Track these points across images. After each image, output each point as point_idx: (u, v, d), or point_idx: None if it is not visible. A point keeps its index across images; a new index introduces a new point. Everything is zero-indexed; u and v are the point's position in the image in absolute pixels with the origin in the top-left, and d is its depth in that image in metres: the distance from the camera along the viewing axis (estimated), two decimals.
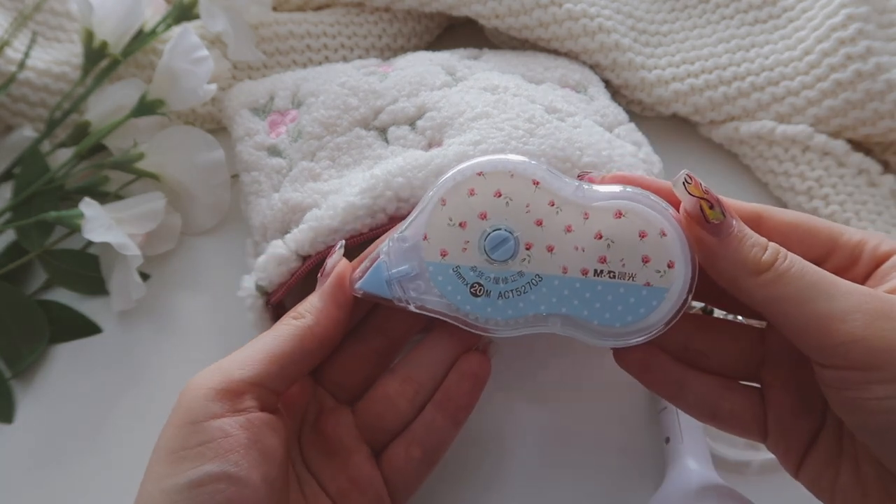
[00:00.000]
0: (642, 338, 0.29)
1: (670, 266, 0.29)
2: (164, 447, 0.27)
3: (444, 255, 0.29)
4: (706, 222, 0.28)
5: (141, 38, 0.48)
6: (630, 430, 0.40)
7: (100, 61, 0.47)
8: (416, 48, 0.54)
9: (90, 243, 0.45)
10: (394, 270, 0.30)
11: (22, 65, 0.47)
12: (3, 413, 0.41)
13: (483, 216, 0.29)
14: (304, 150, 0.40)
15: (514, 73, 0.45)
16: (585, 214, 0.29)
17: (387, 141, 0.40)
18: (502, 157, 0.29)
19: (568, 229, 0.29)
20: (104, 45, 0.46)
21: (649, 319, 0.29)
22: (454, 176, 0.29)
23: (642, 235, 0.29)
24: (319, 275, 0.32)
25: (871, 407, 0.25)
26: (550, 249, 0.29)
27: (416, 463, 0.32)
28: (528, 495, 0.38)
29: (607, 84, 0.50)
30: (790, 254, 0.27)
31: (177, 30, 0.48)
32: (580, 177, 0.31)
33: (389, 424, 0.33)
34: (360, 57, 0.52)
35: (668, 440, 0.38)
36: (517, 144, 0.37)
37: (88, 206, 0.41)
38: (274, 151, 0.41)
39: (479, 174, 0.29)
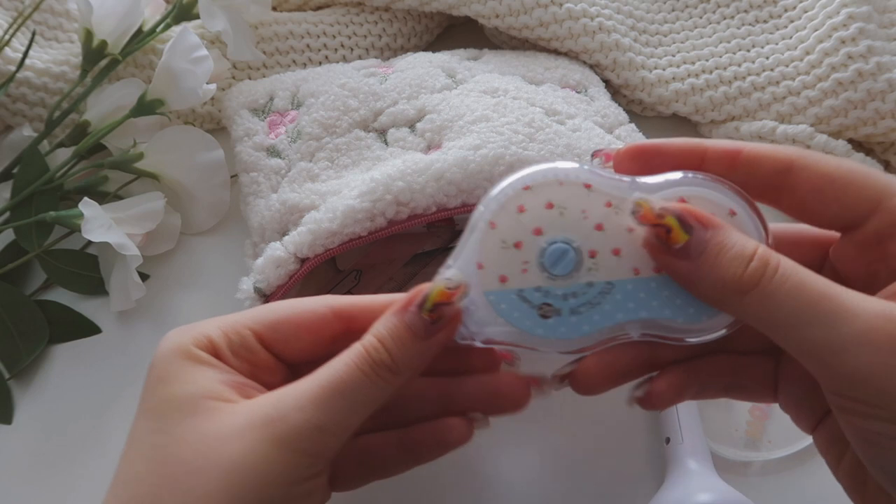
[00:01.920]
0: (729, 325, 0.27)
1: None
2: (241, 493, 0.23)
3: (503, 280, 0.27)
4: (670, 249, 0.25)
5: (140, 38, 0.48)
6: (630, 430, 0.40)
7: (99, 61, 0.47)
8: (416, 48, 0.54)
9: (89, 243, 0.45)
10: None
11: (21, 64, 0.47)
12: (2, 413, 0.41)
13: (538, 232, 0.27)
14: (302, 151, 0.40)
15: (514, 74, 0.45)
16: None
17: (386, 143, 0.40)
18: (547, 165, 0.27)
19: (630, 229, 0.27)
20: (103, 44, 0.46)
21: None
22: (498, 196, 0.27)
23: None
24: (425, 311, 0.25)
25: (869, 438, 0.23)
26: (617, 253, 0.27)
27: (359, 472, 0.30)
28: (529, 496, 0.38)
29: (607, 84, 0.50)
30: (783, 264, 0.23)
31: (176, 29, 0.48)
32: (594, 155, 0.29)
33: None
34: (359, 57, 0.52)
35: (668, 440, 0.38)
36: (517, 150, 0.37)
37: (88, 206, 0.40)
38: (273, 152, 0.41)
39: (526, 188, 0.27)
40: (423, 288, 0.26)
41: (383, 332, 0.25)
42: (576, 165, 0.27)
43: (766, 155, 0.26)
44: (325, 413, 0.24)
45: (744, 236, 0.25)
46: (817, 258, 0.28)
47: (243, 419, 0.24)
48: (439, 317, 0.25)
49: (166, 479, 0.23)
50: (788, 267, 0.23)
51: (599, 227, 0.27)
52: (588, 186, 0.27)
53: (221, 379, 0.25)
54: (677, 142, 0.27)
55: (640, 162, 0.27)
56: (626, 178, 0.27)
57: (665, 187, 0.27)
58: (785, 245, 0.27)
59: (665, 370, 0.28)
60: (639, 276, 0.27)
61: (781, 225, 0.28)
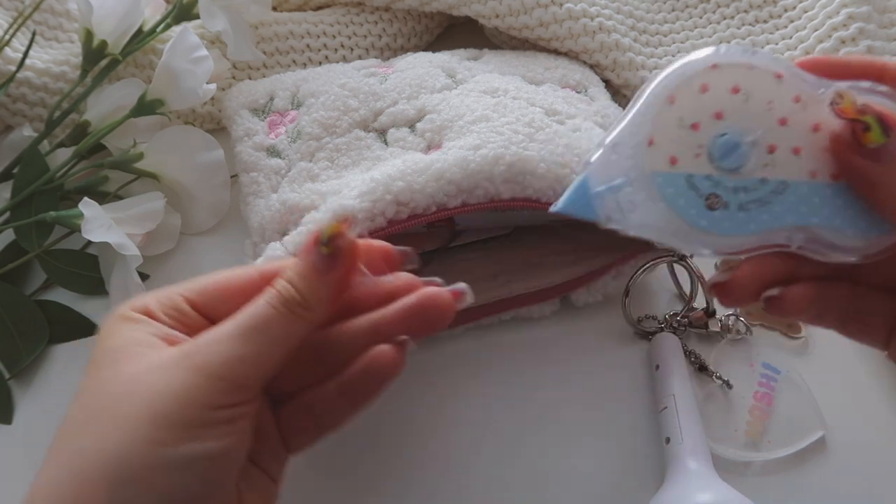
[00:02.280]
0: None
1: None
2: (163, 414, 0.25)
3: (673, 162, 0.25)
4: (861, 147, 0.24)
5: (140, 38, 0.48)
6: (630, 430, 0.40)
7: (99, 61, 0.47)
8: (416, 48, 0.54)
9: (89, 243, 0.45)
10: (613, 183, 0.25)
11: (21, 64, 0.47)
12: (2, 413, 0.41)
13: (718, 116, 0.25)
14: (302, 151, 0.40)
15: (514, 74, 0.45)
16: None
17: (386, 143, 0.40)
18: (740, 47, 0.26)
19: (815, 128, 0.25)
20: (103, 44, 0.46)
21: None
22: (683, 69, 0.25)
23: None
24: (323, 248, 0.27)
25: None
26: (797, 151, 0.25)
27: (308, 430, 0.30)
28: (529, 495, 0.38)
29: (607, 84, 0.49)
30: None
31: (176, 29, 0.48)
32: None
33: (288, 387, 0.30)
34: (360, 57, 0.52)
35: (668, 440, 0.38)
36: (517, 150, 0.37)
37: (88, 206, 0.41)
38: (273, 152, 0.41)
39: (714, 66, 0.25)
40: (320, 227, 0.27)
41: (290, 273, 0.27)
42: (768, 52, 0.26)
43: (845, 63, 0.26)
44: (244, 346, 0.26)
45: None
46: None
47: (167, 357, 0.26)
48: (336, 249, 0.27)
49: (94, 411, 0.25)
50: None
51: (783, 122, 0.25)
52: (779, 76, 0.25)
53: (151, 331, 0.27)
54: (857, 58, 0.27)
55: (819, 73, 0.27)
56: (814, 77, 0.26)
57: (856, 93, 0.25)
58: None
59: (801, 281, 0.27)
60: (816, 180, 0.25)
61: None
